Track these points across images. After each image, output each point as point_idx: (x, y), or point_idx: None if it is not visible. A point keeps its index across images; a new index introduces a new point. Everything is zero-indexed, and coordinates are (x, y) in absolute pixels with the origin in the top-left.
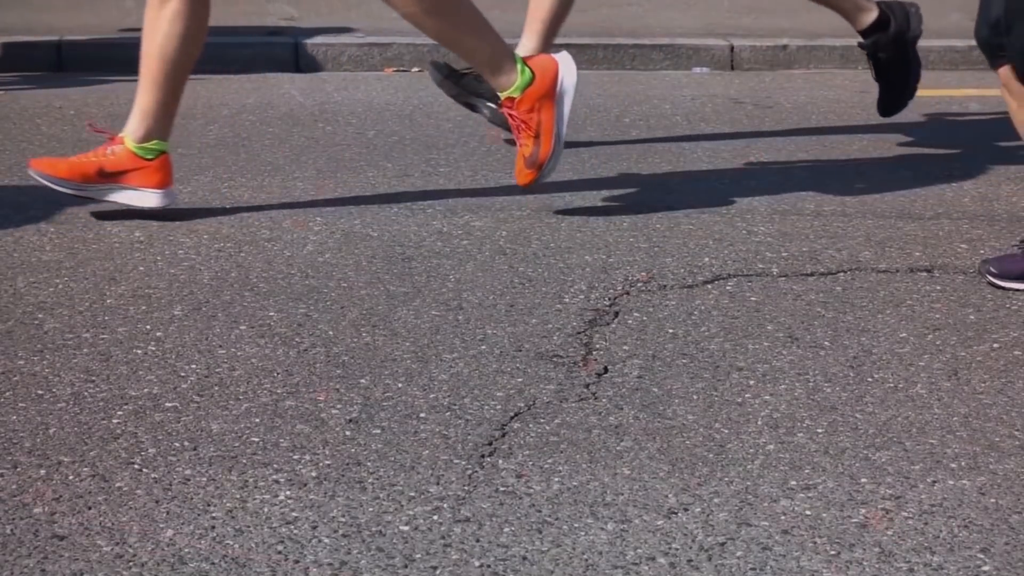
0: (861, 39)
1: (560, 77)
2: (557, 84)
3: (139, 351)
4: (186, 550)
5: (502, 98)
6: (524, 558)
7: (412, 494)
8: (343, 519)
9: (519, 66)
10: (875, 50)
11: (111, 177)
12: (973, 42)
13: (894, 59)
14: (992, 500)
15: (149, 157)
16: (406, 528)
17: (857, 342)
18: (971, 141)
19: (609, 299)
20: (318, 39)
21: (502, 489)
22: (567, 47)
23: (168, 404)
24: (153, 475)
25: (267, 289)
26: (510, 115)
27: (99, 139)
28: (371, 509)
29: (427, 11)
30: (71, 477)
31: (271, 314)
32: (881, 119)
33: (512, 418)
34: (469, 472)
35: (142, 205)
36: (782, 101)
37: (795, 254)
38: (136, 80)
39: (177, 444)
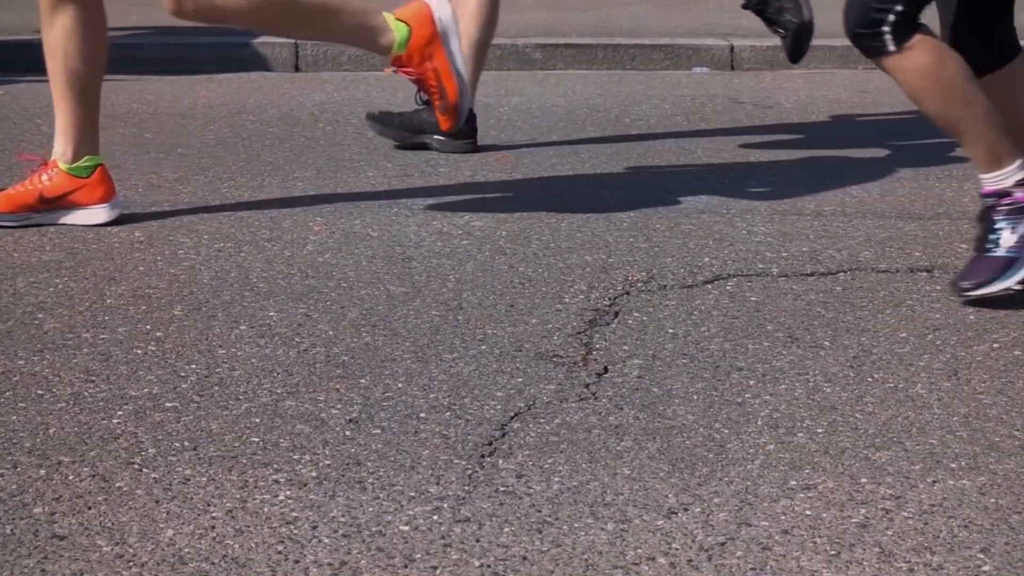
0: (743, 1)
1: (436, 17)
2: (436, 25)
3: (139, 351)
4: (186, 550)
5: (390, 61)
6: (524, 558)
7: (412, 494)
8: (343, 519)
9: (393, 24)
10: (759, 5)
11: (53, 202)
12: None
13: (782, 4)
14: (992, 500)
15: (85, 175)
16: (406, 528)
17: (857, 342)
18: None
19: (609, 299)
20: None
21: (502, 489)
22: (567, 47)
23: (168, 404)
24: (153, 475)
25: (267, 289)
26: (405, 73)
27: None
28: (371, 509)
29: (269, 15)
30: (71, 477)
31: (271, 314)
32: (880, 119)
33: (512, 418)
34: (469, 472)
35: (91, 222)
36: (782, 101)
37: (795, 254)
38: (131, 78)
39: (177, 444)
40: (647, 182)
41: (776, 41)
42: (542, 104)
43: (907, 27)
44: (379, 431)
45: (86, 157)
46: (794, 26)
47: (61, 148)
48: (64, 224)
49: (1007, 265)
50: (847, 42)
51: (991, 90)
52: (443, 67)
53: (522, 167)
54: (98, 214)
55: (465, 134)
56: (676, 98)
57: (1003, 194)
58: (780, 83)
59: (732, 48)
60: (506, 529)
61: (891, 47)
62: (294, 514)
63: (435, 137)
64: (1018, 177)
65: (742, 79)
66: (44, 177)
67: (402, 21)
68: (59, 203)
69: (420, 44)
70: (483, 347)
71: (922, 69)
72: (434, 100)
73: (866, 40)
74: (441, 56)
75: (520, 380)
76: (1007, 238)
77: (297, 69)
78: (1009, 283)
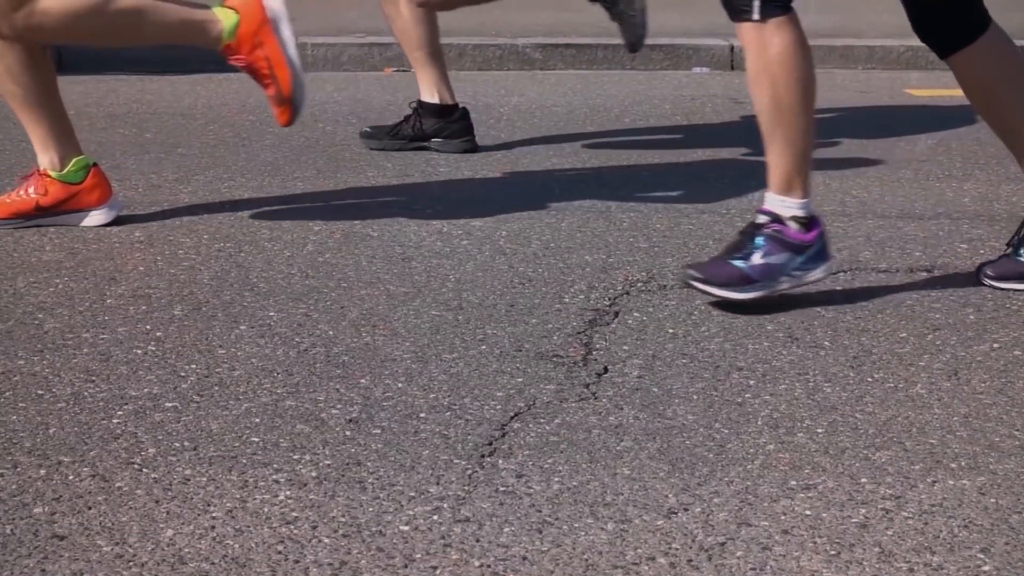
0: None
1: (266, 4)
2: (266, 12)
3: (139, 351)
4: (186, 550)
5: (220, 50)
6: (524, 558)
7: (412, 494)
8: (343, 519)
9: (221, 13)
10: None
11: (49, 210)
12: None
13: None
14: (992, 500)
15: (79, 180)
16: (406, 528)
17: (857, 342)
18: (971, 141)
19: (609, 299)
20: (318, 39)
21: (502, 489)
22: (568, 47)
23: (168, 404)
24: (153, 475)
25: (267, 289)
26: (236, 61)
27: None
28: (371, 509)
29: (90, 28)
30: (71, 477)
31: (271, 314)
32: (881, 120)
33: (512, 418)
34: (469, 472)
35: (91, 224)
36: None
37: None
38: (131, 78)
39: (177, 444)
40: (647, 182)
41: None
42: (542, 104)
43: (777, 1)
44: (379, 431)
45: (73, 161)
46: (627, 17)
47: (47, 160)
48: (64, 224)
49: (741, 280)
50: (847, 42)
51: (963, 69)
52: (275, 55)
53: (522, 167)
54: (96, 217)
55: (462, 132)
56: (676, 98)
57: (777, 220)
58: None
59: (732, 48)
60: (506, 529)
61: (755, 15)
62: (294, 514)
63: (434, 139)
64: (797, 213)
65: (742, 79)
66: (31, 190)
67: (231, 9)
68: (56, 210)
69: (250, 31)
70: (483, 347)
71: (776, 51)
72: (267, 90)
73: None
74: (272, 44)
75: (520, 380)
76: (756, 259)
77: None
78: (732, 296)
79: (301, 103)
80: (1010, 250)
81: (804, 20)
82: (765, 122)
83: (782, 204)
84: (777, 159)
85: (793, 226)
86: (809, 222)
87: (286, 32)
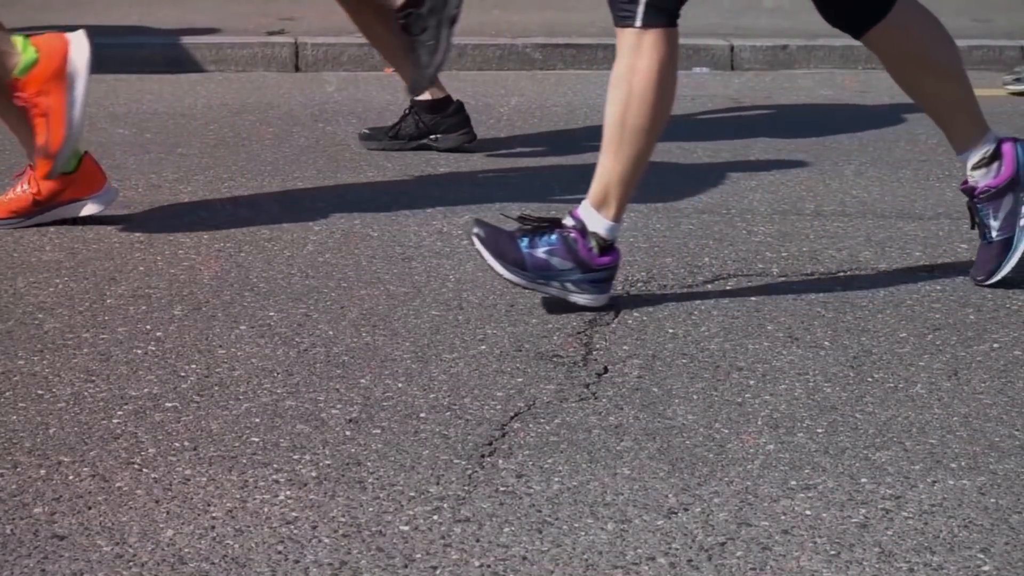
0: (398, 17)
1: (70, 58)
2: (67, 65)
3: (139, 351)
4: (186, 550)
5: (8, 83)
6: (524, 558)
7: (412, 494)
8: (343, 519)
9: (22, 46)
10: (407, 25)
11: (47, 203)
12: (973, 42)
13: (425, 37)
14: (992, 500)
15: (71, 170)
16: (406, 528)
17: (857, 342)
18: None
19: (609, 299)
20: (318, 39)
21: (502, 489)
22: (569, 47)
23: (168, 404)
24: (153, 475)
25: (267, 289)
26: (17, 99)
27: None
28: (371, 509)
29: None
30: (71, 477)
31: (271, 314)
32: (881, 119)
33: (512, 418)
34: (469, 472)
35: (87, 214)
36: (782, 101)
37: (795, 254)
38: (131, 78)
39: (177, 444)
40: (647, 182)
41: (776, 41)
42: (542, 104)
43: (662, 14)
44: (379, 431)
45: None
46: (422, 67)
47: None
48: (64, 223)
49: (514, 261)
50: (847, 42)
51: (880, 45)
52: (56, 110)
53: (522, 167)
54: (92, 206)
55: (459, 125)
56: (676, 98)
57: (582, 230)
58: (780, 83)
59: (732, 48)
60: (506, 529)
61: (638, 22)
62: (294, 514)
63: (431, 136)
64: (600, 232)
65: (742, 79)
66: (25, 186)
67: (34, 48)
68: (53, 203)
69: (41, 77)
70: (483, 347)
71: (645, 64)
72: (37, 138)
73: (621, 2)
74: (58, 98)
75: (520, 380)
76: (539, 251)
77: (297, 69)
78: (496, 267)
79: (62, 163)
80: (981, 240)
81: (804, 20)
82: (606, 128)
83: (591, 217)
84: (602, 170)
85: (592, 243)
86: (607, 248)
87: (79, 91)
